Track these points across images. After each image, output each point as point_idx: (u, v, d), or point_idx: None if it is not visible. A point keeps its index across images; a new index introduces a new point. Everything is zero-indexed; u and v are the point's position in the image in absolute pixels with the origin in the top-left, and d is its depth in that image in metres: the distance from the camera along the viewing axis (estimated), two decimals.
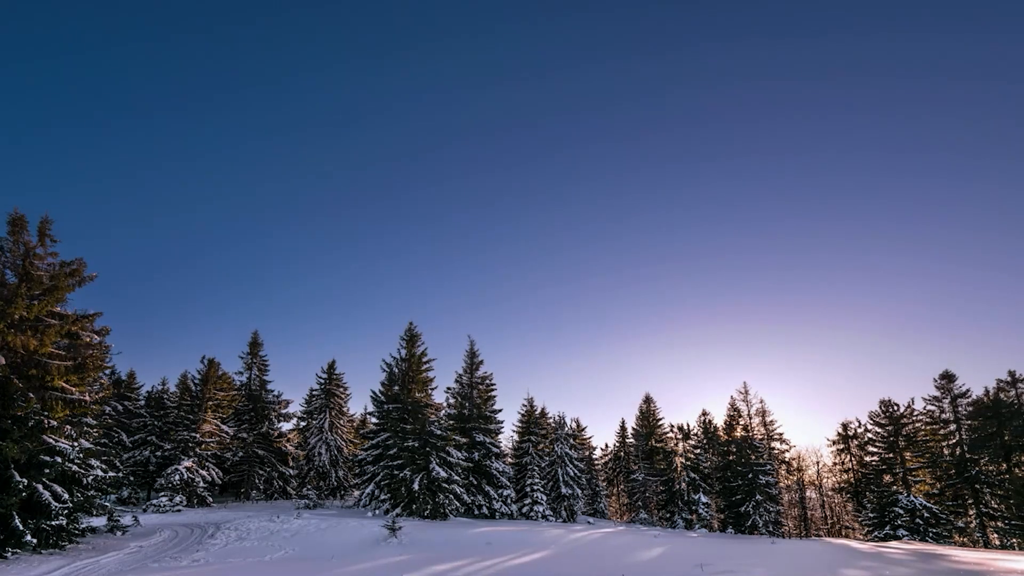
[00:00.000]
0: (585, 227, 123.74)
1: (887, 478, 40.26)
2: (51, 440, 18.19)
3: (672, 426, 47.55)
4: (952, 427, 39.71)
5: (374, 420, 37.62)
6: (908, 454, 39.76)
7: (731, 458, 42.74)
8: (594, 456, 55.42)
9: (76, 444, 19.29)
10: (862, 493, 42.50)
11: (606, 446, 61.21)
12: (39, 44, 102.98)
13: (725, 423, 45.61)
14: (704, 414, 47.95)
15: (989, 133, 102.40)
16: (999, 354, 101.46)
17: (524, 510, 35.84)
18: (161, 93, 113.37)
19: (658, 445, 49.81)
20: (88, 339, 20.33)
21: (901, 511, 35.81)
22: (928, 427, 40.72)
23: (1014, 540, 34.84)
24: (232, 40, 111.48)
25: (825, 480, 51.19)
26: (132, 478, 38.84)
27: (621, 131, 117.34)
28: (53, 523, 17.68)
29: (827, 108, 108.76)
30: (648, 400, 54.63)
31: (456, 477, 31.97)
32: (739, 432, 44.49)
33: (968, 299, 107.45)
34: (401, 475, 31.40)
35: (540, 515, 35.56)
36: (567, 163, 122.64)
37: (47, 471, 18.09)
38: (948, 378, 40.38)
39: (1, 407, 17.54)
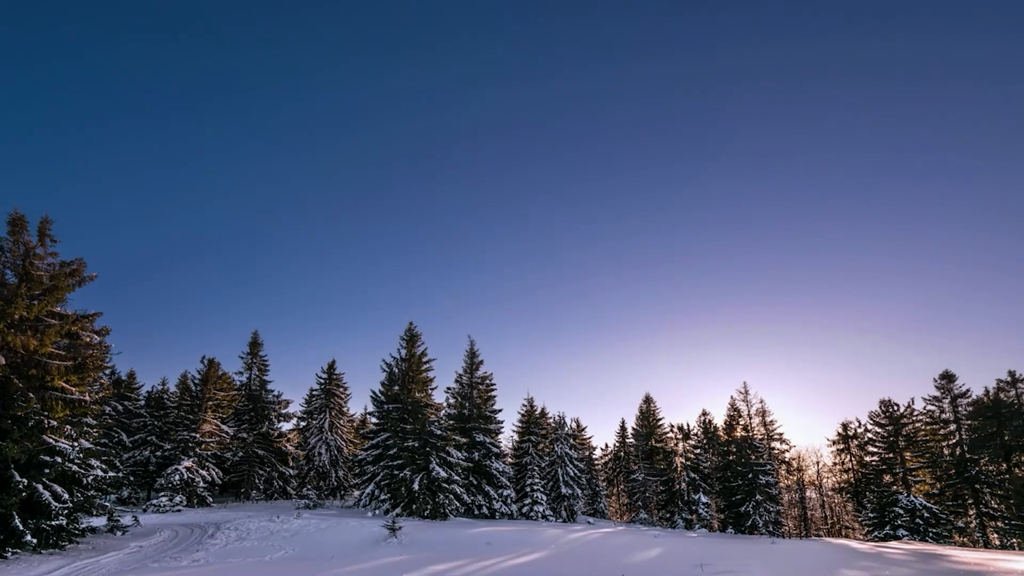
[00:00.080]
0: (585, 227, 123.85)
1: (887, 478, 40.25)
2: (51, 440, 18.19)
3: (672, 426, 47.58)
4: (952, 427, 39.71)
5: (374, 420, 37.63)
6: (908, 454, 39.75)
7: (731, 458, 42.74)
8: (594, 456, 55.43)
9: (76, 444, 19.28)
10: (862, 493, 42.49)
11: (606, 446, 61.27)
12: (40, 44, 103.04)
13: (725, 423, 45.61)
14: (704, 414, 48.01)
15: (989, 133, 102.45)
16: (999, 354, 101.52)
17: (524, 510, 35.84)
18: (161, 94, 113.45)
19: (658, 445, 49.81)
20: (88, 339, 20.33)
21: (901, 511, 35.81)
22: (928, 427, 40.71)
23: (1014, 540, 34.83)
24: (232, 41, 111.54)
25: (825, 480, 51.21)
26: (132, 478, 38.84)
27: (621, 132, 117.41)
28: (53, 523, 17.69)
29: (827, 108, 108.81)
30: (648, 400, 54.65)
31: (456, 477, 31.97)
32: (739, 432, 44.48)
33: (968, 299, 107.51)
34: (401, 475, 31.40)
35: (540, 515, 35.56)
36: (567, 164, 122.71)
37: (47, 471, 18.09)
38: (948, 378, 40.38)
39: (1, 407, 17.54)
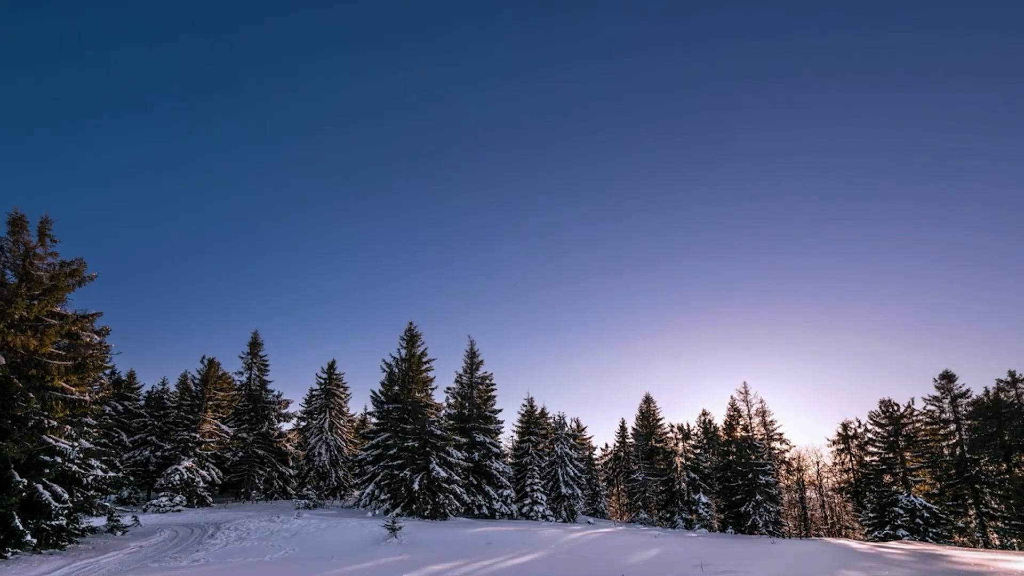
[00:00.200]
0: (585, 227, 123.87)
1: (887, 478, 40.25)
2: (51, 440, 18.19)
3: (672, 426, 47.59)
4: (952, 427, 39.70)
5: (374, 420, 37.63)
6: (908, 454, 39.75)
7: (731, 458, 42.73)
8: (594, 456, 55.43)
9: (76, 444, 19.29)
10: (862, 493, 42.49)
11: (606, 446, 61.28)
12: (40, 45, 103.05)
13: (725, 423, 45.60)
14: (704, 414, 48.00)
15: (989, 133, 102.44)
16: (999, 354, 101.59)
17: (524, 510, 35.84)
18: (161, 94, 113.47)
19: (658, 445, 49.81)
20: (88, 339, 20.34)
21: (901, 511, 35.80)
22: (928, 427, 40.71)
23: (1014, 540, 34.83)
24: (232, 41, 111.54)
25: (825, 480, 51.20)
26: (132, 478, 38.85)
27: (621, 132, 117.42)
28: (53, 523, 17.69)
29: (827, 109, 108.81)
30: (648, 400, 54.66)
31: (456, 477, 31.97)
32: (739, 432, 44.48)
33: (968, 299, 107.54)
34: (401, 475, 31.40)
35: (540, 515, 35.56)
36: (567, 164, 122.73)
37: (47, 471, 18.10)
38: (948, 378, 40.37)
39: (1, 407, 17.55)
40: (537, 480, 36.98)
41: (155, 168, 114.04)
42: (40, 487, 17.45)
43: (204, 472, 37.79)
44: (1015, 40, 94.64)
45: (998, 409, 36.59)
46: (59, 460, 18.30)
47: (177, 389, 46.22)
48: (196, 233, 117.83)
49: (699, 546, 21.89)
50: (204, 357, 41.48)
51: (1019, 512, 34.25)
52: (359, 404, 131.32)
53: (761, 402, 46.27)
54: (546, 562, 17.33)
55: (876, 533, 36.81)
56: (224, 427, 41.17)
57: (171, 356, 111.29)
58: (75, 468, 19.09)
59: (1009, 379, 37.46)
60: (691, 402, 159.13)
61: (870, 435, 42.97)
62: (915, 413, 40.88)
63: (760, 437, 45.21)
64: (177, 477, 35.76)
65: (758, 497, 39.50)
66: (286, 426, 47.98)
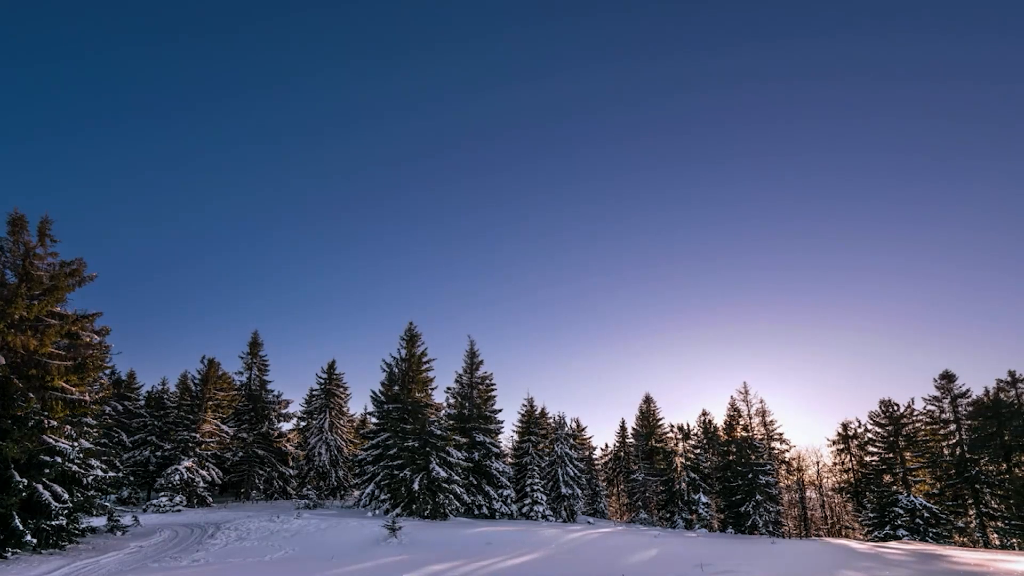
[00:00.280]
0: (585, 227, 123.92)
1: (887, 478, 40.25)
2: (51, 440, 18.20)
3: (672, 426, 47.59)
4: (952, 427, 39.70)
5: (374, 420, 37.63)
6: (908, 454, 39.74)
7: (731, 458, 42.73)
8: (594, 456, 55.44)
9: (76, 444, 19.29)
10: (862, 493, 42.49)
11: (606, 446, 61.28)
12: (40, 45, 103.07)
13: (725, 423, 45.60)
14: (704, 414, 48.00)
15: (989, 133, 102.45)
16: (999, 354, 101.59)
17: (524, 510, 35.84)
18: (162, 94, 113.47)
19: (658, 445, 49.81)
20: (88, 339, 20.34)
21: (901, 511, 35.80)
22: (928, 427, 40.70)
23: (1014, 540, 34.83)
24: (232, 41, 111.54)
25: (825, 480, 51.20)
26: (132, 478, 38.85)
27: (621, 132, 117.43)
28: (53, 523, 17.69)
29: (827, 109, 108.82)
30: (648, 400, 54.66)
31: (456, 477, 31.98)
32: (739, 432, 44.47)
33: (968, 299, 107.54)
34: (401, 475, 31.40)
35: (540, 515, 35.56)
36: (567, 164, 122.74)
37: (47, 471, 18.10)
38: (948, 378, 40.37)
39: (1, 407, 17.55)
40: (537, 480, 36.99)
41: (155, 168, 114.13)
42: (40, 487, 17.45)
43: (204, 472, 37.79)
44: (1015, 40, 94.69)
45: (998, 409, 36.59)
46: (59, 460, 18.31)
47: (177, 389, 46.22)
48: (196, 233, 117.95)
49: (699, 546, 21.89)
50: (204, 357, 41.55)
51: (1019, 512, 34.25)
52: (359, 404, 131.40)
53: (761, 402, 46.32)
54: (546, 562, 17.33)
55: (876, 533, 36.80)
56: (224, 427, 41.17)
57: (171, 356, 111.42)
58: (75, 468, 19.09)
59: (1009, 379, 37.46)
60: (691, 402, 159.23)
61: (870, 435, 42.98)
62: (915, 413, 40.88)
63: (760, 437, 45.20)
64: (177, 477, 35.76)
65: (758, 497, 39.50)
66: (286, 426, 48.05)
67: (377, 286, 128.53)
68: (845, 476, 46.05)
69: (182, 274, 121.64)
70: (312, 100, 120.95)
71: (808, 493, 50.81)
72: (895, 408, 41.21)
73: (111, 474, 21.13)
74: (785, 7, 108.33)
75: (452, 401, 38.46)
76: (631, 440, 53.72)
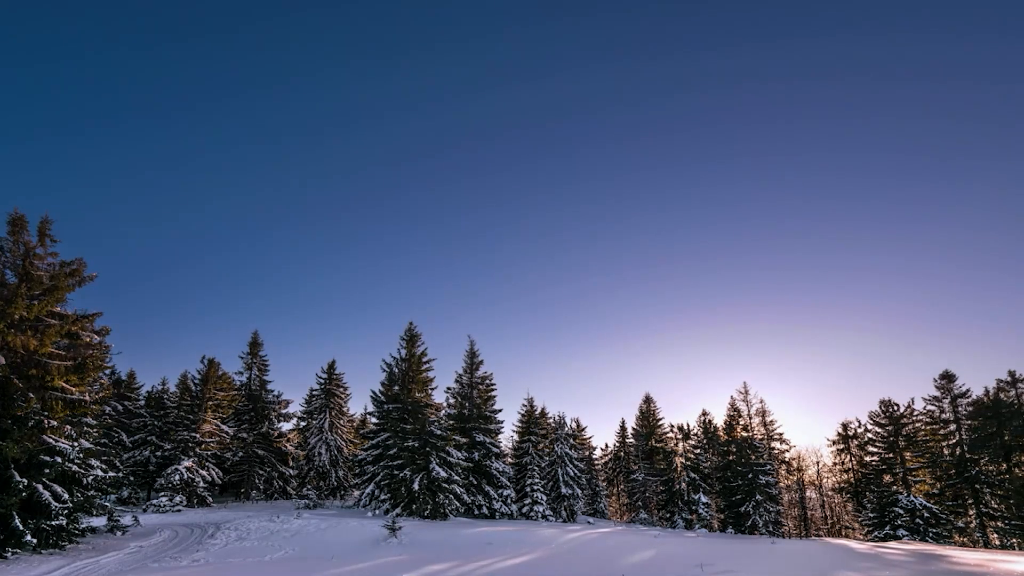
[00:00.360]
0: (585, 227, 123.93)
1: (887, 478, 40.25)
2: (51, 440, 18.20)
3: (672, 426, 47.59)
4: (952, 427, 39.70)
5: (374, 420, 37.63)
6: (908, 454, 39.74)
7: (731, 458, 42.73)
8: (594, 456, 55.44)
9: (76, 444, 19.29)
10: (862, 493, 42.49)
11: (606, 446, 61.29)
12: (40, 45, 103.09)
13: (725, 423, 45.60)
14: (704, 414, 48.00)
15: (989, 133, 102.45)
16: (999, 354, 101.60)
17: (524, 510, 35.85)
18: (161, 94, 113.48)
19: (658, 445, 49.81)
20: (88, 339, 20.34)
21: (901, 511, 35.80)
22: (928, 427, 40.70)
23: (1014, 540, 34.83)
24: (232, 41, 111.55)
25: (825, 480, 51.20)
26: (132, 478, 38.85)
27: (621, 132, 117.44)
28: (53, 523, 17.70)
29: (827, 109, 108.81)
30: (648, 400, 54.66)
31: (456, 477, 31.98)
32: (739, 432, 44.48)
33: (968, 299, 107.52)
34: (401, 475, 31.41)
35: (540, 515, 35.56)
36: (567, 164, 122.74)
37: (47, 471, 18.10)
38: (948, 378, 40.36)
39: (1, 407, 17.55)
40: (537, 480, 36.99)
41: (155, 168, 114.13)
42: (40, 487, 17.45)
43: (204, 472, 37.80)
44: (1015, 40, 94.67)
45: (998, 409, 36.58)
46: (59, 460, 18.31)
47: (177, 389, 46.22)
48: (196, 233, 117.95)
49: (699, 546, 21.89)
50: (204, 357, 41.56)
51: (1019, 512, 34.25)
52: (359, 404, 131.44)
53: (761, 402, 46.33)
54: (545, 562, 17.34)
55: (876, 533, 36.80)
56: (224, 427, 41.18)
57: (171, 356, 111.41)
58: (75, 468, 19.09)
59: (1009, 379, 37.46)
60: (691, 402, 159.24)
61: (870, 435, 42.98)
62: (915, 413, 40.88)
63: (760, 437, 45.21)
64: (177, 477, 35.76)
65: (758, 497, 39.50)
66: (286, 426, 48.06)
67: (377, 286, 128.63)
68: (845, 476, 46.06)
69: (182, 274, 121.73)
70: (312, 100, 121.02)
71: (808, 493, 50.82)
72: (895, 408, 41.21)
73: (111, 474, 21.13)
74: (785, 7, 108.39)
75: (452, 401, 38.48)
76: (631, 440, 53.72)
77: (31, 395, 18.10)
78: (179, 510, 32.80)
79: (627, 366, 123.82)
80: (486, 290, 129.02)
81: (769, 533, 38.94)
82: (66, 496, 18.03)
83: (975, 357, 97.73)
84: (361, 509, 33.44)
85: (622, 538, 24.06)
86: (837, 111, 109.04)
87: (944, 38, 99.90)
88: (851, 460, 45.07)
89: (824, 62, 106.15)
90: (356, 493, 44.23)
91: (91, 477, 19.66)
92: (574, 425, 53.46)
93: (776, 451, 46.46)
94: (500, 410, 39.31)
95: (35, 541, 16.85)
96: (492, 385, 39.56)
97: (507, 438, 46.18)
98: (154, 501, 33.15)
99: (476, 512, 34.38)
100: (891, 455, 40.19)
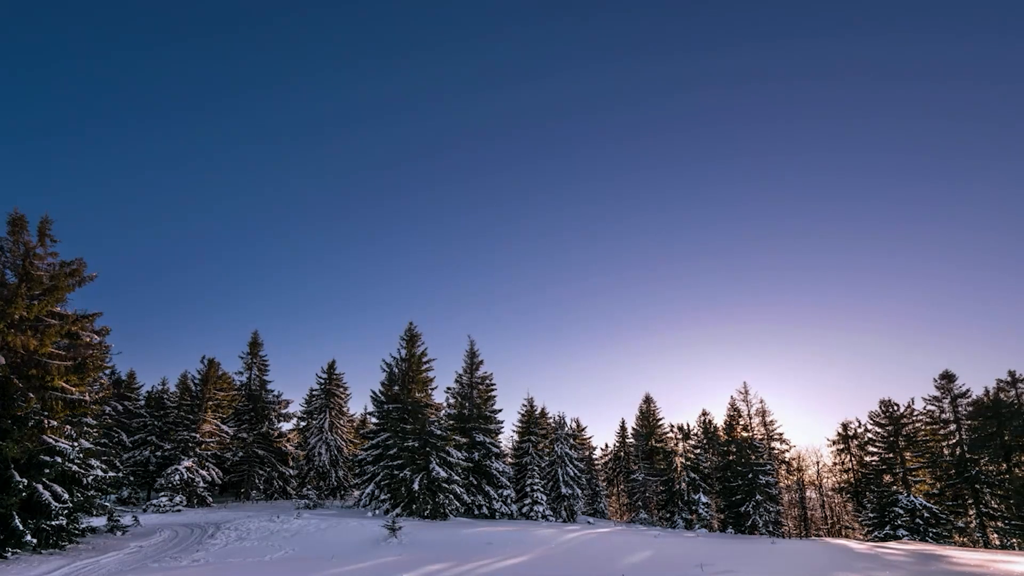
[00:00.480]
0: (585, 228, 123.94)
1: (887, 478, 40.24)
2: (51, 440, 18.21)
3: (672, 426, 47.59)
4: (952, 427, 39.70)
5: (374, 420, 37.64)
6: (908, 454, 39.74)
7: (731, 458, 42.73)
8: (594, 456, 55.44)
9: (76, 444, 19.30)
10: (862, 493, 42.48)
11: (606, 446, 61.29)
12: (41, 45, 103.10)
13: (725, 423, 45.60)
14: (704, 414, 48.01)
15: (989, 133, 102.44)
16: (999, 354, 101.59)
17: (524, 510, 35.85)
18: (161, 94, 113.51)
19: (658, 445, 49.81)
20: (88, 339, 20.35)
21: (901, 511, 35.80)
22: (928, 427, 40.70)
23: (1014, 540, 34.82)
24: (233, 42, 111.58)
25: (825, 480, 51.20)
26: (132, 478, 38.86)
27: (621, 132, 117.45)
28: (53, 523, 17.70)
29: (827, 109, 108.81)
30: (648, 400, 54.66)
31: (456, 477, 31.98)
32: (739, 432, 44.48)
33: (968, 299, 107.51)
34: (401, 475, 31.41)
35: (540, 515, 35.57)
36: (567, 164, 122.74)
37: (47, 471, 18.11)
38: (948, 378, 40.36)
39: (1, 407, 17.56)
40: (537, 480, 36.99)
41: (155, 168, 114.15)
42: (40, 487, 17.45)
43: (204, 472, 37.80)
44: (1015, 40, 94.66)
45: (998, 409, 36.58)
46: (59, 460, 18.31)
47: (177, 389, 46.23)
48: (196, 233, 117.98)
49: (699, 546, 21.89)
50: (204, 357, 41.57)
51: (1019, 512, 34.24)
52: (359, 404, 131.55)
53: (761, 402, 46.34)
54: (545, 562, 17.34)
55: (876, 533, 36.80)
56: (224, 427, 41.19)
57: (171, 356, 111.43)
58: (75, 468, 19.10)
59: (1009, 379, 37.46)
60: (691, 402, 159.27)
61: (870, 435, 42.97)
62: (915, 413, 40.88)
63: (760, 437, 45.21)
64: (177, 477, 35.77)
65: (758, 497, 39.50)
66: (286, 426, 48.06)
67: (377, 286, 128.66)
68: (845, 476, 46.05)
69: (182, 274, 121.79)
70: (312, 100, 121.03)
71: (808, 493, 50.82)
72: (895, 408, 41.21)
73: (111, 474, 21.13)
74: (785, 7, 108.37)
75: (452, 401, 38.49)
76: (631, 440, 53.72)
77: (31, 395, 18.10)
78: (179, 510, 32.81)
79: (627, 366, 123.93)
80: (486, 290, 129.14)
81: (769, 533, 38.94)
82: (66, 496, 18.04)
83: (975, 357, 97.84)
84: (361, 509, 33.45)
85: (622, 538, 24.07)
86: (837, 111, 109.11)
87: (944, 38, 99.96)
88: (851, 460, 45.07)
89: (824, 62, 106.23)
90: (356, 493, 44.23)
91: (91, 477, 19.67)
92: (574, 425, 53.50)
93: (776, 451, 46.46)
94: (500, 410, 39.37)
95: (35, 541, 16.85)
96: (492, 385, 39.59)
97: (507, 438, 46.26)
98: (154, 501, 33.16)
99: (476, 512, 34.39)
100: (891, 455, 40.18)
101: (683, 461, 44.00)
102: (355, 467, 42.40)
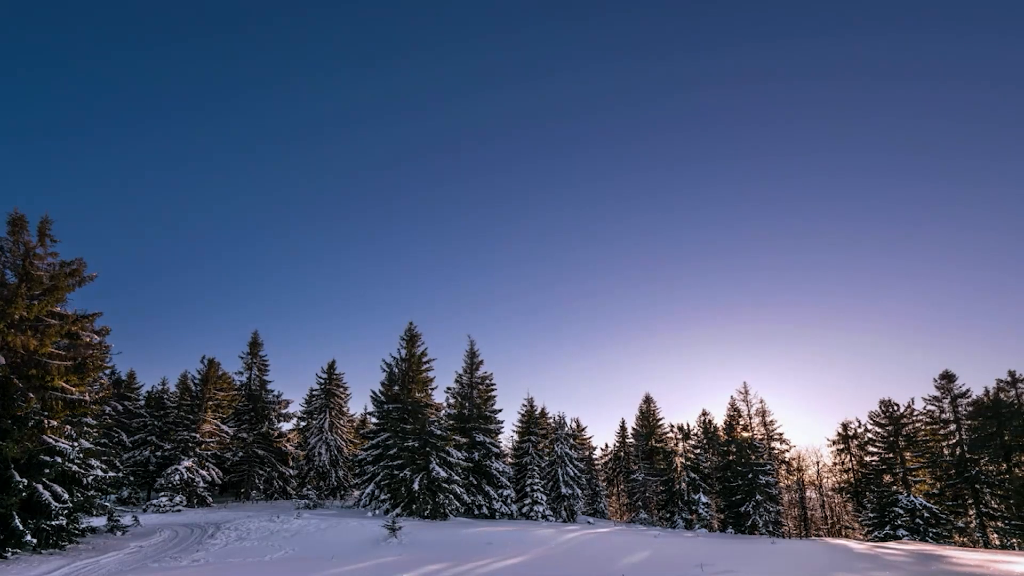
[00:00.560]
0: (585, 228, 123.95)
1: (887, 478, 40.24)
2: (51, 440, 18.21)
3: (672, 426, 47.60)
4: (952, 427, 39.69)
5: (374, 420, 37.64)
6: (908, 454, 39.74)
7: (731, 458, 42.73)
8: (594, 456, 55.44)
9: (76, 444, 19.30)
10: (862, 493, 42.48)
11: (606, 446, 61.29)
12: (41, 45, 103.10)
13: (725, 423, 45.60)
14: (704, 414, 48.01)
15: (989, 133, 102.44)
16: (999, 354, 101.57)
17: (524, 510, 35.85)
18: (162, 94, 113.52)
19: (658, 445, 49.81)
20: (88, 339, 20.35)
21: (901, 511, 35.80)
22: (928, 427, 40.70)
23: (1014, 540, 34.82)
24: (233, 42, 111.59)
25: (825, 480, 51.19)
26: (132, 478, 38.86)
27: (621, 132, 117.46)
28: (53, 523, 17.70)
29: (827, 109, 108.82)
30: (648, 400, 54.66)
31: (456, 477, 31.98)
32: (739, 432, 44.48)
33: (968, 299, 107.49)
34: (401, 475, 31.41)
35: (540, 515, 35.57)
36: (567, 164, 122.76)
37: (47, 471, 18.11)
38: (948, 378, 40.36)
39: (1, 407, 17.56)
40: (537, 480, 36.99)
41: (155, 168, 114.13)
42: (40, 487, 17.45)
43: (204, 472, 37.80)
44: (1015, 40, 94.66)
45: (998, 409, 36.58)
46: (59, 460, 18.31)
47: (177, 389, 46.23)
48: (196, 233, 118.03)
49: (699, 546, 21.89)
50: (204, 357, 41.57)
51: (1019, 512, 34.24)
52: (359, 404, 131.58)
53: (761, 402, 46.33)
54: (545, 562, 17.34)
55: (876, 533, 36.80)
56: (224, 427, 41.19)
57: (171, 356, 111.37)
58: (75, 468, 19.10)
59: (1009, 379, 37.46)
60: (691, 402, 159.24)
61: (870, 435, 42.97)
62: (915, 413, 40.88)
63: (760, 437, 45.21)
64: (177, 477, 35.77)
65: (758, 497, 39.50)
66: (286, 426, 48.07)
67: (377, 286, 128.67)
68: (845, 476, 46.05)
69: (182, 274, 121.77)
70: (312, 100, 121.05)
71: (808, 493, 50.82)
72: (895, 408, 41.21)
73: (111, 474, 21.14)
74: (785, 7, 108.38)
75: (452, 401, 38.49)
76: (631, 440, 53.72)
77: (31, 395, 18.10)
78: (179, 510, 32.81)
79: (627, 366, 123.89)
80: (486, 290, 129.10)
81: (769, 533, 38.95)
82: (66, 496, 18.04)
83: (975, 357, 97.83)
84: (361, 509, 33.45)
85: (622, 538, 24.07)
86: (837, 111, 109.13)
87: (944, 38, 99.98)
88: (851, 460, 45.07)
89: (824, 62, 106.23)
90: (356, 493, 44.22)
91: (91, 477, 19.67)
92: (574, 425, 53.51)
93: (776, 451, 46.46)
94: (500, 410, 39.37)
95: (35, 541, 16.85)
96: (492, 385, 39.59)
97: (507, 438, 46.27)
98: (154, 501, 33.16)
99: (476, 512, 34.39)
100: (891, 455, 40.18)
101: (683, 461, 44.00)
102: (355, 467, 42.40)
